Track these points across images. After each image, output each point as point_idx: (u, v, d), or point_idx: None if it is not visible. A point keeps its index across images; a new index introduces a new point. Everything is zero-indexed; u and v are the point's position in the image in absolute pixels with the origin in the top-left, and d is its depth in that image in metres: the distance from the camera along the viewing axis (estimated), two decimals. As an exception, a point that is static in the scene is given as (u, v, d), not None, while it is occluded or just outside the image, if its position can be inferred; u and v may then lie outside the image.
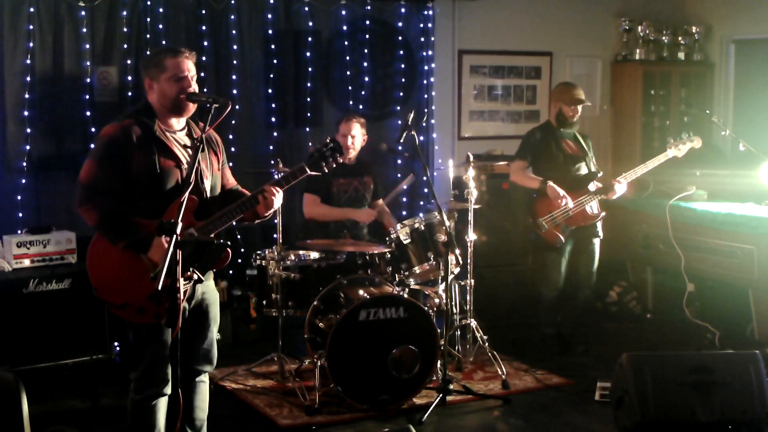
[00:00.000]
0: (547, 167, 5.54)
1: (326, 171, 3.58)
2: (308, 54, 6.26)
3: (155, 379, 3.36)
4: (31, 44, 5.38)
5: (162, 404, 3.43)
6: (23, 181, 5.44)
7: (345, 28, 6.42)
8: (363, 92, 6.51)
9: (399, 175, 6.61)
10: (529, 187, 5.54)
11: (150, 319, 3.24)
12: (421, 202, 6.66)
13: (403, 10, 6.59)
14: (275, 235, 5.01)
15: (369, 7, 6.45)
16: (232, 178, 3.67)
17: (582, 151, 5.61)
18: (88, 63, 5.55)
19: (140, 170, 3.26)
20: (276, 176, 4.44)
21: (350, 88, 6.45)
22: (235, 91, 6.01)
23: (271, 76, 6.16)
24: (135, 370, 3.39)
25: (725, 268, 5.68)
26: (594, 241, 5.62)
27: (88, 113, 5.57)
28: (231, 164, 5.80)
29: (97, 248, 3.32)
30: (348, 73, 6.44)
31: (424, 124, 6.61)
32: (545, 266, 5.67)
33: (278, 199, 3.44)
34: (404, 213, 6.52)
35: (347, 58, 6.43)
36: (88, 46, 5.54)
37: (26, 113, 5.41)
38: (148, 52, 5.60)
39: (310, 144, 6.25)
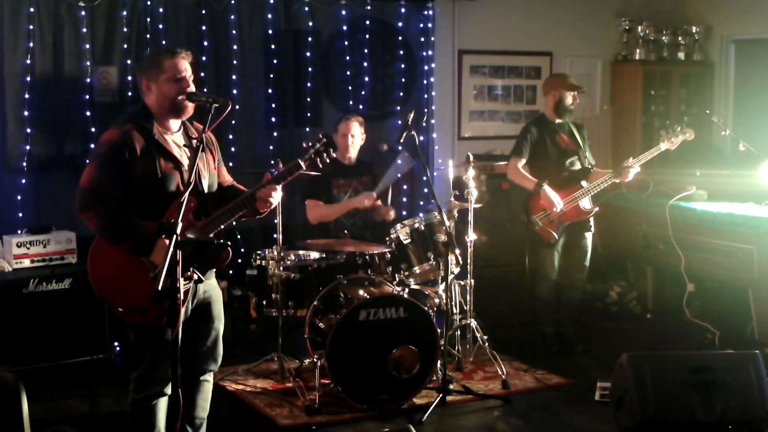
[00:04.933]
0: (540, 163, 5.54)
1: (321, 167, 3.60)
2: (308, 54, 6.26)
3: (156, 379, 3.36)
4: (31, 44, 5.38)
5: (162, 404, 3.44)
6: (23, 181, 5.44)
7: (345, 28, 6.42)
8: (363, 92, 6.50)
9: (399, 175, 6.59)
10: (524, 186, 5.55)
11: (151, 320, 3.24)
12: (421, 202, 6.66)
13: (403, 10, 6.59)
14: (275, 235, 5.01)
15: (369, 7, 6.45)
16: (228, 175, 3.69)
17: (575, 144, 5.61)
18: (88, 63, 5.55)
19: (142, 174, 3.27)
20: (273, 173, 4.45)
21: (350, 88, 6.45)
22: (235, 91, 6.01)
23: (271, 76, 6.16)
24: (136, 369, 3.40)
25: (725, 268, 5.68)
26: (586, 235, 5.63)
27: (88, 113, 5.57)
28: (231, 164, 5.86)
29: (98, 250, 3.32)
30: (348, 73, 6.44)
31: (424, 124, 6.61)
32: (539, 262, 5.69)
33: (276, 196, 3.46)
34: (404, 213, 6.52)
35: (347, 58, 6.43)
36: (88, 46, 5.54)
37: (26, 113, 5.41)
38: (148, 52, 5.61)
39: (303, 143, 6.24)
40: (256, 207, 3.47)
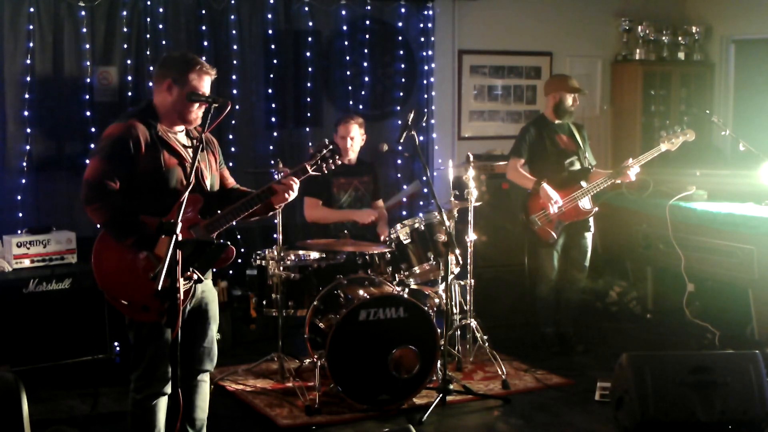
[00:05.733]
0: (539, 164, 5.54)
1: (326, 172, 3.65)
2: (308, 54, 6.26)
3: (156, 379, 3.37)
4: (31, 44, 5.38)
5: (162, 404, 3.45)
6: (23, 181, 5.43)
7: (345, 28, 6.41)
8: (363, 92, 6.50)
9: (399, 175, 6.60)
10: (524, 186, 5.56)
11: (154, 317, 3.24)
12: (421, 202, 6.66)
13: (403, 10, 6.59)
14: (275, 235, 5.01)
15: (369, 7, 6.45)
16: (230, 177, 3.71)
17: (575, 145, 5.62)
18: (88, 63, 5.55)
19: (146, 169, 3.28)
20: (276, 176, 4.46)
21: (350, 88, 6.45)
22: (235, 91, 6.01)
23: (271, 76, 6.16)
24: (136, 369, 3.40)
25: (725, 268, 5.68)
26: (586, 235, 5.63)
27: (88, 113, 5.57)
28: (231, 164, 5.85)
29: (102, 246, 3.33)
30: (348, 73, 6.44)
31: (424, 124, 6.61)
32: (539, 262, 5.69)
33: (295, 188, 3.50)
34: (404, 213, 6.52)
35: (347, 58, 6.43)
36: (88, 46, 5.53)
37: (26, 113, 5.41)
38: (147, 52, 5.62)
39: (310, 144, 6.24)
40: (270, 202, 3.49)
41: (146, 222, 3.24)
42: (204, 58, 5.92)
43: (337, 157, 3.66)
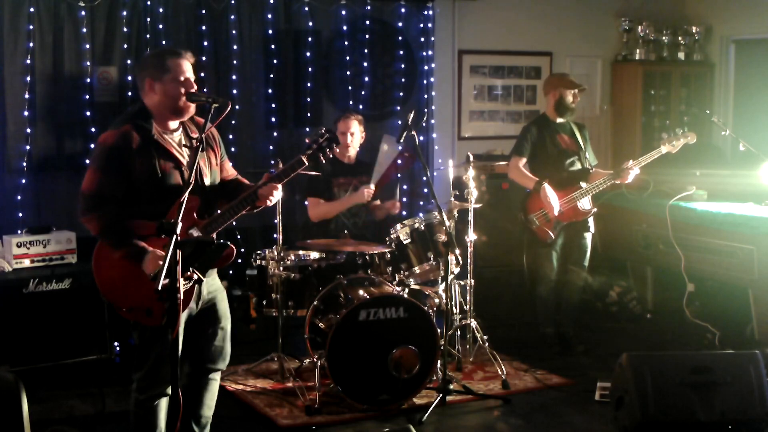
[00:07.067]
0: (540, 163, 5.54)
1: (323, 162, 3.59)
2: (308, 54, 6.26)
3: (159, 379, 3.36)
4: (31, 44, 5.38)
5: (164, 404, 3.45)
6: (23, 181, 5.44)
7: (345, 28, 6.42)
8: (363, 92, 6.51)
9: (399, 175, 6.60)
10: (524, 185, 5.56)
11: (158, 320, 3.23)
12: (421, 202, 6.66)
13: (403, 10, 6.59)
14: (275, 235, 5.01)
15: (369, 7, 6.45)
16: (232, 169, 3.70)
17: (576, 145, 5.62)
18: (88, 63, 5.55)
19: (141, 175, 3.27)
20: (273, 171, 4.45)
21: (350, 88, 6.46)
22: (235, 91, 6.01)
23: (271, 76, 6.16)
24: (139, 370, 3.40)
25: (725, 268, 5.67)
26: (585, 235, 5.63)
27: (88, 113, 5.57)
28: (231, 164, 5.84)
29: (103, 252, 3.33)
30: (348, 73, 6.45)
31: (424, 124, 6.61)
32: (538, 262, 5.69)
33: (277, 194, 3.48)
34: (404, 213, 6.52)
35: (347, 58, 6.43)
36: (88, 46, 5.54)
37: (26, 113, 5.41)
38: (150, 52, 5.61)
39: (306, 139, 6.24)
40: (255, 204, 3.48)
41: (141, 231, 3.22)
42: (204, 58, 5.96)
43: (335, 144, 3.59)
